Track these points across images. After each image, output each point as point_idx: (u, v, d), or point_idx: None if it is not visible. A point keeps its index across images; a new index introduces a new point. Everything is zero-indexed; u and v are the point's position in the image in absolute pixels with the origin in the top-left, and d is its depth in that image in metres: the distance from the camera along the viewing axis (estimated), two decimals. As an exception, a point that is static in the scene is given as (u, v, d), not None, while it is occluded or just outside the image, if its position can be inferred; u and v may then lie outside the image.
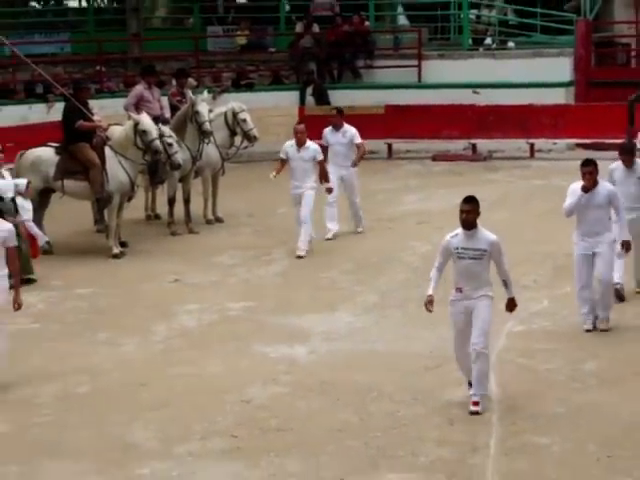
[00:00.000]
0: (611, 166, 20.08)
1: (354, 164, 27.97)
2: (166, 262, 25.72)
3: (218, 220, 30.11)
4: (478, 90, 37.28)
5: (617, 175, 20.01)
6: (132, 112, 28.13)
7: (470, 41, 41.97)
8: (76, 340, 20.73)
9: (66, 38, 43.21)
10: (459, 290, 15.30)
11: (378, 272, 23.80)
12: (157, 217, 29.68)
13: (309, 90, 39.19)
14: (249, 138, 29.49)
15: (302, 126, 26.51)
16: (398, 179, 33.60)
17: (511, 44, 41.72)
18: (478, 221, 15.86)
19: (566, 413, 17.29)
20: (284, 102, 37.53)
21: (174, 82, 30.96)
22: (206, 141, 29.06)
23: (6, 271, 16.97)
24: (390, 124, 35.97)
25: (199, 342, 20.57)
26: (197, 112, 28.65)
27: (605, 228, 19.14)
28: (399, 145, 36.42)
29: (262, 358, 19.59)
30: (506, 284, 15.65)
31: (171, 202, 28.47)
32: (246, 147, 30.19)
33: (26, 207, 24.09)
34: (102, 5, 47.14)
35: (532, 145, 35.77)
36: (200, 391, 18.19)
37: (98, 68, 38.55)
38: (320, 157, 25.62)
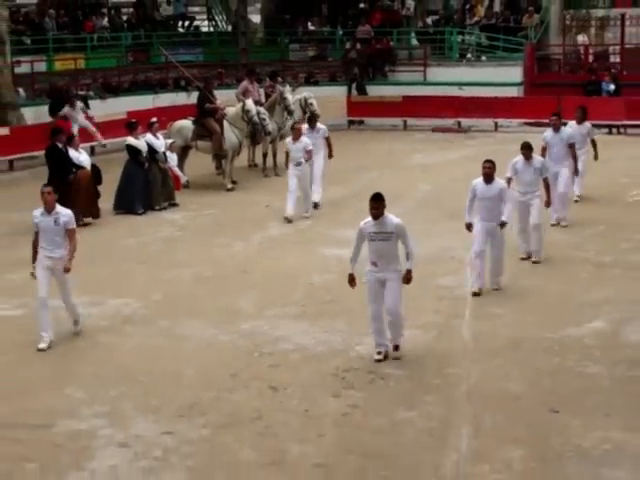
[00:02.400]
0: (514, 159, 18.47)
1: (330, 155, 25.34)
2: (261, 194, 25.79)
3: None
4: (462, 87, 37.08)
5: (518, 165, 18.31)
6: (239, 97, 28.64)
7: (457, 55, 41.78)
8: (204, 242, 21.09)
9: (199, 51, 43.11)
10: (374, 264, 13.63)
11: (396, 201, 23.80)
12: (255, 165, 29.82)
13: (354, 85, 39.08)
14: (314, 115, 29.57)
15: (299, 125, 24.84)
16: (410, 143, 33.46)
17: (483, 58, 41.46)
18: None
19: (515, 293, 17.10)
20: (337, 93, 37.45)
21: (268, 79, 31.23)
22: (290, 117, 29.11)
23: (66, 246, 14.76)
24: (405, 108, 36.15)
25: (281, 245, 20.86)
26: (285, 98, 29.36)
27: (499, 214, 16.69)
28: (411, 121, 36.42)
29: (321, 256, 19.77)
30: (408, 257, 13.71)
31: (264, 156, 28.87)
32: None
33: (173, 158, 24.78)
34: (222, 29, 46.77)
35: (496, 123, 35.77)
36: (281, 276, 18.57)
37: (219, 70, 38.49)
38: (310, 147, 23.28)
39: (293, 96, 29.88)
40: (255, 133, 28.19)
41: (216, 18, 48.73)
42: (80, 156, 23.35)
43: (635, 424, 12.03)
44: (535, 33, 41.32)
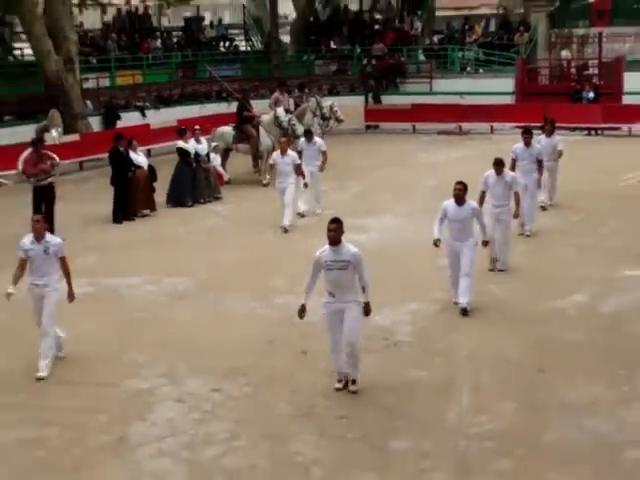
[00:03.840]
0: (486, 173, 16.82)
1: (321, 169, 23.06)
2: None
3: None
4: (463, 96, 36.98)
5: (490, 180, 16.70)
6: (272, 107, 28.64)
7: (458, 69, 41.70)
8: (243, 230, 21.08)
9: (238, 67, 43.03)
10: (331, 294, 11.65)
11: (405, 194, 23.89)
12: None
13: (370, 95, 38.99)
14: (338, 120, 29.66)
15: (284, 139, 22.82)
16: (418, 144, 33.29)
17: (481, 71, 41.39)
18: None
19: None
20: (356, 102, 37.29)
21: (297, 90, 31.25)
22: (325, 122, 29.41)
23: (60, 274, 13.04)
24: (414, 114, 36.08)
25: (307, 232, 20.66)
26: (321, 107, 29.25)
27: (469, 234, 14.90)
28: (419, 126, 36.35)
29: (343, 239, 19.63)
30: (364, 290, 11.65)
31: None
32: (335, 125, 30.17)
33: (217, 159, 24.90)
34: (257, 48, 46.73)
35: (492, 127, 35.63)
36: (308, 258, 18.37)
37: (255, 83, 38.52)
38: (298, 161, 21.41)
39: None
40: (286, 136, 28.28)
41: (252, 39, 48.74)
42: (138, 157, 23.52)
43: (609, 381, 12.11)
44: (525, 49, 41.28)
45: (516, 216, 17.42)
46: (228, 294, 16.52)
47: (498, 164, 16.78)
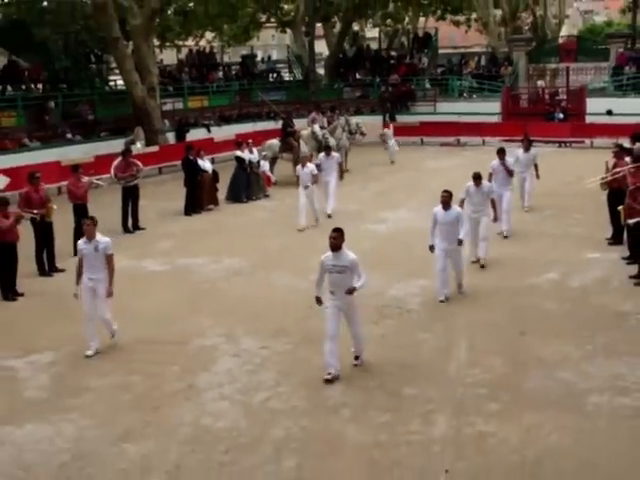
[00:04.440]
0: (467, 184, 15.90)
1: (341, 177, 23.07)
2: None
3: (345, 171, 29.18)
4: (460, 115, 36.72)
5: (470, 190, 15.79)
6: (310, 124, 28.46)
7: (457, 94, 41.35)
8: (286, 221, 20.64)
9: (283, 93, 42.86)
10: (332, 293, 10.88)
11: (416, 193, 23.69)
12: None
13: (387, 115, 38.74)
14: (362, 134, 29.56)
15: (305, 155, 22.12)
16: (425, 153, 32.66)
17: (474, 96, 40.94)
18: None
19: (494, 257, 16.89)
20: (376, 120, 36.71)
21: (329, 111, 30.99)
22: (353, 136, 29.52)
23: (106, 272, 12.22)
24: (421, 130, 35.56)
25: (338, 222, 20.38)
26: (350, 124, 29.52)
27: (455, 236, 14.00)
28: (426, 139, 35.93)
29: (365, 229, 19.48)
30: (359, 280, 10.79)
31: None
32: (360, 139, 30.06)
33: (265, 165, 24.53)
34: (298, 78, 46.55)
35: (483, 140, 35.19)
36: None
37: (297, 106, 38.35)
38: (315, 172, 20.29)
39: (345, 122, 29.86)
40: (320, 147, 28.12)
41: (294, 71, 48.55)
42: (205, 164, 23.52)
43: (577, 341, 12.03)
44: (509, 79, 40.94)
45: (495, 220, 16.67)
46: (274, 271, 16.43)
47: (477, 178, 15.95)
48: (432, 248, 14.08)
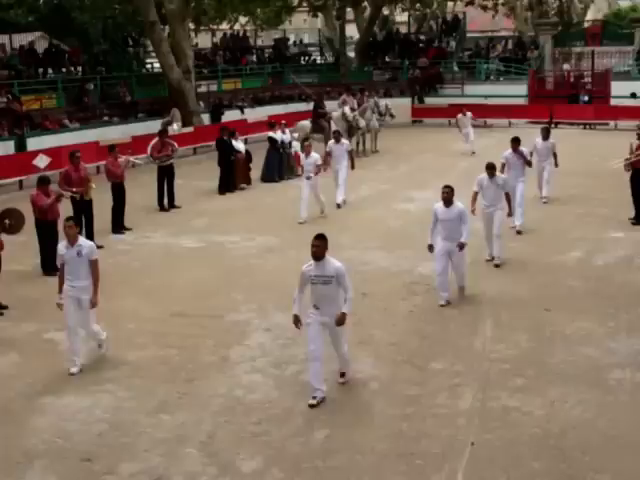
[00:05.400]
0: (479, 176, 14.44)
1: (352, 166, 20.76)
2: (356, 167, 25.65)
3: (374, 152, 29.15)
4: (487, 98, 36.48)
5: (484, 182, 14.28)
6: (340, 106, 28.43)
7: (484, 77, 41.10)
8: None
9: (315, 76, 42.84)
10: (315, 307, 9.52)
11: (443, 173, 23.30)
12: (351, 150, 29.45)
13: (416, 97, 38.60)
14: (392, 116, 29.49)
15: (307, 143, 19.59)
16: (452, 135, 31.70)
17: (501, 78, 40.75)
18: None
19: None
20: (405, 103, 36.92)
21: (359, 93, 30.76)
22: (382, 118, 29.33)
23: (91, 279, 10.59)
24: (449, 112, 34.77)
25: (368, 201, 20.69)
26: (379, 105, 29.13)
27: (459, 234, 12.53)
28: (453, 120, 35.67)
29: (394, 208, 19.59)
30: (345, 300, 9.41)
31: (357, 143, 28.46)
32: (389, 120, 29.93)
33: (295, 145, 24.27)
34: (329, 61, 46.43)
35: (510, 121, 35.02)
36: (369, 222, 18.59)
37: (328, 88, 38.22)
38: (319, 162, 18.65)
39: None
40: (351, 129, 28.03)
41: (325, 54, 48.52)
42: (238, 144, 23.60)
43: (600, 318, 11.95)
44: (535, 63, 40.76)
45: (509, 214, 14.89)
46: (305, 249, 16.18)
47: (490, 168, 14.40)
48: (431, 248, 12.76)
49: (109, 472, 8.12)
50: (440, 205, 12.68)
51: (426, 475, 7.93)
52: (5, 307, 13.23)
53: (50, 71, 33.00)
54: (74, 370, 10.51)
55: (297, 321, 9.65)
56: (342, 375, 10.14)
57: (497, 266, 14.66)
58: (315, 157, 18.75)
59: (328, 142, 20.89)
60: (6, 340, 11.77)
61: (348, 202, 20.37)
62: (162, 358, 10.95)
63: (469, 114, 29.14)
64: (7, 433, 8.94)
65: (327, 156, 20.10)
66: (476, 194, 14.53)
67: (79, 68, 34.54)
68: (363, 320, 12.09)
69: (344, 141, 20.87)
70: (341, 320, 9.43)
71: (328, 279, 9.46)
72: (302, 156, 19.34)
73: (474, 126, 29.18)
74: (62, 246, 10.81)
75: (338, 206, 19.91)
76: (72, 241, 10.67)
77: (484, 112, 35.73)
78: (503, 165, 16.72)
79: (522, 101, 37.31)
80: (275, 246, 16.74)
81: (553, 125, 33.98)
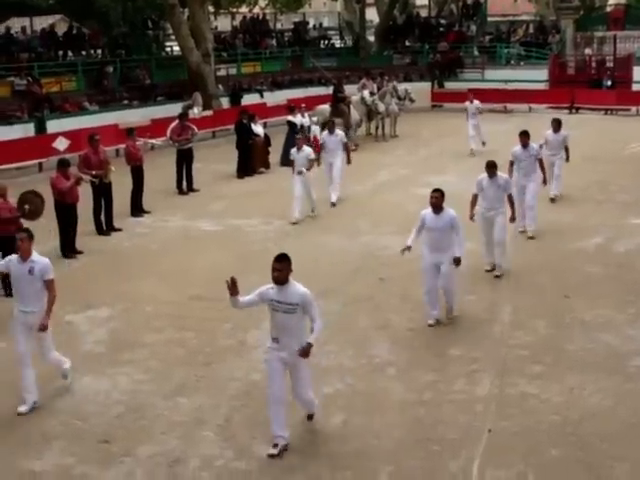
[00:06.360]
0: (479, 177, 12.98)
1: (348, 161, 19.16)
2: (375, 153, 25.26)
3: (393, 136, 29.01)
4: (508, 82, 36.22)
5: (484, 183, 12.85)
6: (360, 90, 28.33)
7: (504, 62, 40.84)
8: None
9: (334, 59, 42.63)
10: (275, 340, 8.15)
11: (462, 158, 23.20)
12: (370, 134, 29.30)
13: (436, 81, 38.43)
14: (411, 101, 29.32)
15: (299, 137, 18.44)
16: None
17: (522, 63, 40.48)
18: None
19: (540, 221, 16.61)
20: (425, 87, 36.67)
21: (379, 77, 30.58)
22: (402, 102, 29.08)
23: (45, 302, 8.96)
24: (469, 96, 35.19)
25: (387, 187, 20.60)
26: (397, 90, 28.82)
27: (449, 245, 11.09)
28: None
29: (413, 193, 18.98)
30: (312, 330, 8.06)
31: (377, 127, 28.40)
32: (409, 105, 29.77)
33: (315, 130, 24.19)
34: (349, 45, 46.27)
35: (530, 107, 34.78)
36: (387, 207, 18.44)
37: (347, 72, 38.00)
38: (312, 157, 17.38)
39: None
40: (370, 113, 27.93)
41: (345, 38, 48.38)
42: (257, 128, 23.61)
43: (620, 305, 11.86)
44: (556, 47, 40.44)
45: (512, 220, 13.51)
46: (323, 233, 16.41)
47: (491, 167, 12.99)
48: (408, 249, 11.14)
49: (126, 454, 8.16)
50: (429, 211, 11.13)
51: (443, 461, 7.92)
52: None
53: (70, 54, 33.03)
54: (23, 409, 9.02)
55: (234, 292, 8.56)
56: (310, 417, 8.76)
57: (498, 277, 13.27)
58: (307, 151, 17.56)
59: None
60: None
61: (367, 187, 20.30)
62: (179, 341, 10.96)
63: (476, 102, 25.70)
64: (26, 414, 8.99)
65: (319, 148, 19.24)
66: (476, 197, 13.11)
67: (99, 51, 34.63)
68: (381, 305, 12.11)
69: (338, 132, 19.34)
70: (306, 351, 8.01)
71: (291, 307, 8.12)
72: (293, 151, 17.73)
73: (481, 112, 25.87)
74: (14, 260, 9.17)
75: (333, 205, 18.74)
76: (24, 256, 9.08)
77: (504, 97, 35.54)
78: (512, 163, 15.38)
79: (542, 86, 37.01)
80: (292, 230, 16.74)
81: (574, 110, 33.86)
